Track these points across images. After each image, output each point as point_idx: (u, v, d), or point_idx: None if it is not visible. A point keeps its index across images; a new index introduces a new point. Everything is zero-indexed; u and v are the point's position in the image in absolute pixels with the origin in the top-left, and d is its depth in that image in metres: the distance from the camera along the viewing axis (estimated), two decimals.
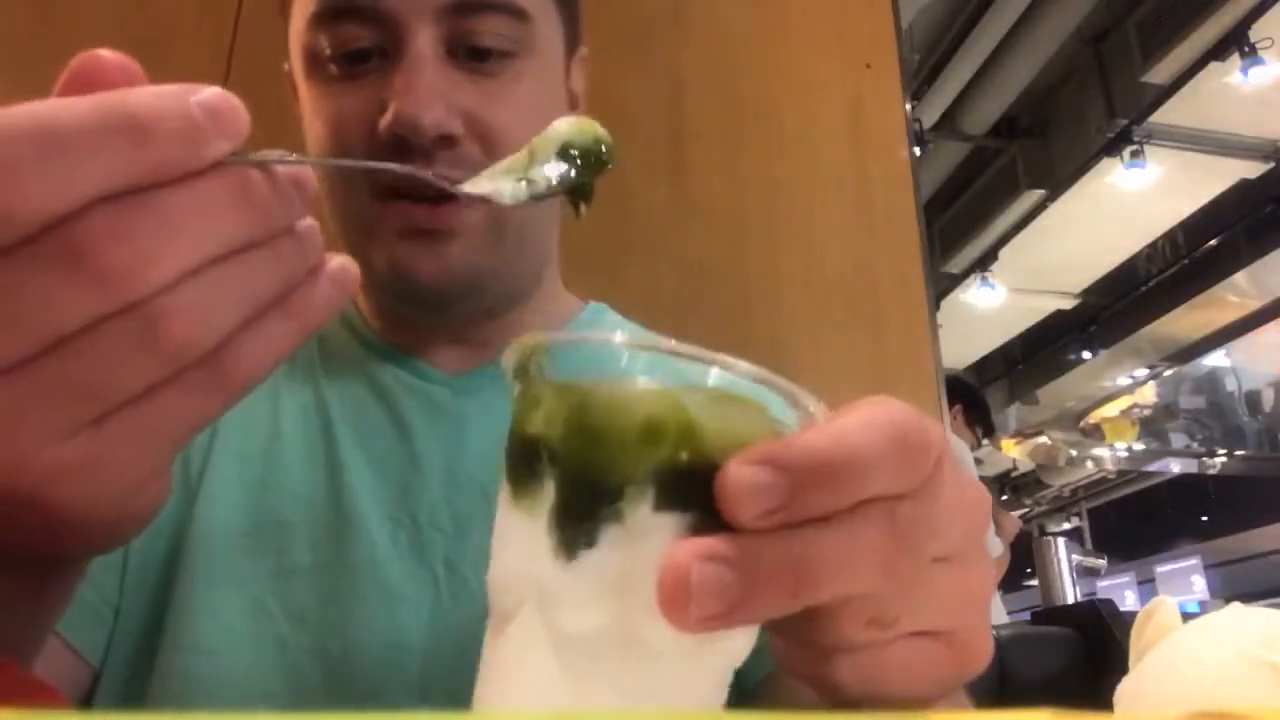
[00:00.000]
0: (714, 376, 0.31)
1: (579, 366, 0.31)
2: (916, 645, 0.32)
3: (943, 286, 5.42)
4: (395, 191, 0.60)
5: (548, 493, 0.29)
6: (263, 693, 0.55)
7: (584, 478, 0.29)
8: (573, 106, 0.71)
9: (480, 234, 0.61)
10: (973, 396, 3.22)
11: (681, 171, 1.67)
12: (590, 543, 0.28)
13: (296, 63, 0.65)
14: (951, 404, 1.81)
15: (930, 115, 4.60)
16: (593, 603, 0.28)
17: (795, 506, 0.27)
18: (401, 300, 0.66)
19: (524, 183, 0.41)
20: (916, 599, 0.31)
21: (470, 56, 0.61)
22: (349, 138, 0.60)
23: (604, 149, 0.43)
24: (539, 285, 0.72)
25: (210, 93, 0.29)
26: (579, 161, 0.43)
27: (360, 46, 0.60)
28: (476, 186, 0.41)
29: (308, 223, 0.33)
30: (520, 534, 0.30)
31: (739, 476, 0.27)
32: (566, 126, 0.44)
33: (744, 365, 0.31)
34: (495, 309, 0.68)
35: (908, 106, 1.86)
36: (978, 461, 3.34)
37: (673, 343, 0.31)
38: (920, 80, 4.41)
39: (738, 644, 0.31)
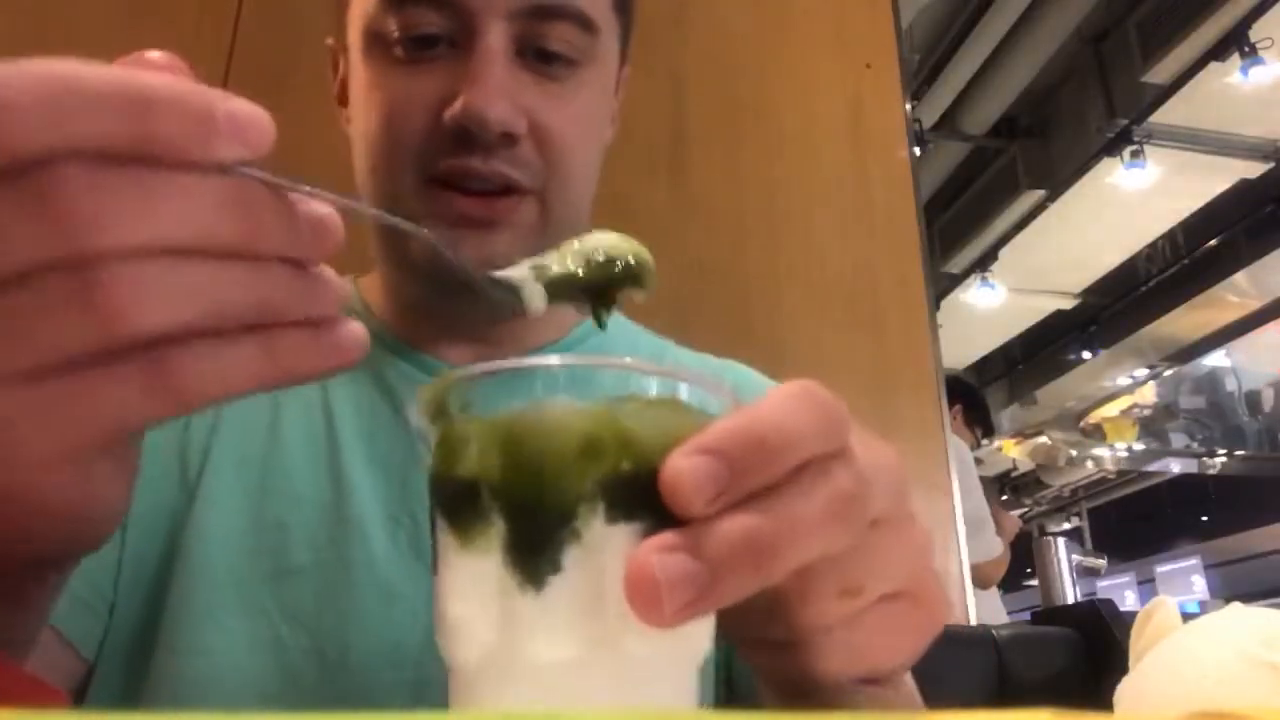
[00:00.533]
0: (634, 382, 0.31)
1: (500, 396, 0.31)
2: (888, 609, 0.34)
3: (943, 286, 5.41)
4: (445, 182, 0.60)
5: (497, 529, 0.29)
6: (259, 694, 0.54)
7: (534, 506, 0.29)
8: (612, 122, 0.72)
9: (524, 229, 0.61)
10: (972, 396, 3.22)
11: (681, 171, 1.67)
12: (556, 568, 0.28)
13: (356, 40, 0.64)
14: (951, 404, 1.81)
15: (930, 115, 4.60)
16: (570, 626, 0.28)
17: (737, 485, 0.28)
18: (435, 288, 0.65)
19: (549, 278, 0.41)
20: (873, 562, 0.32)
21: (537, 59, 0.62)
22: (409, 122, 0.60)
23: (637, 265, 0.43)
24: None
25: (243, 104, 0.29)
26: (612, 271, 0.43)
27: (429, 32, 0.60)
28: (506, 272, 0.40)
29: (326, 272, 0.32)
30: (474, 577, 0.29)
31: (679, 469, 0.28)
32: (611, 239, 0.44)
33: (656, 366, 0.32)
34: (517, 314, 0.69)
35: (908, 106, 1.86)
36: (978, 461, 3.34)
37: (597, 356, 0.31)
38: (920, 80, 4.41)
39: (704, 642, 0.31)
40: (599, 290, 0.43)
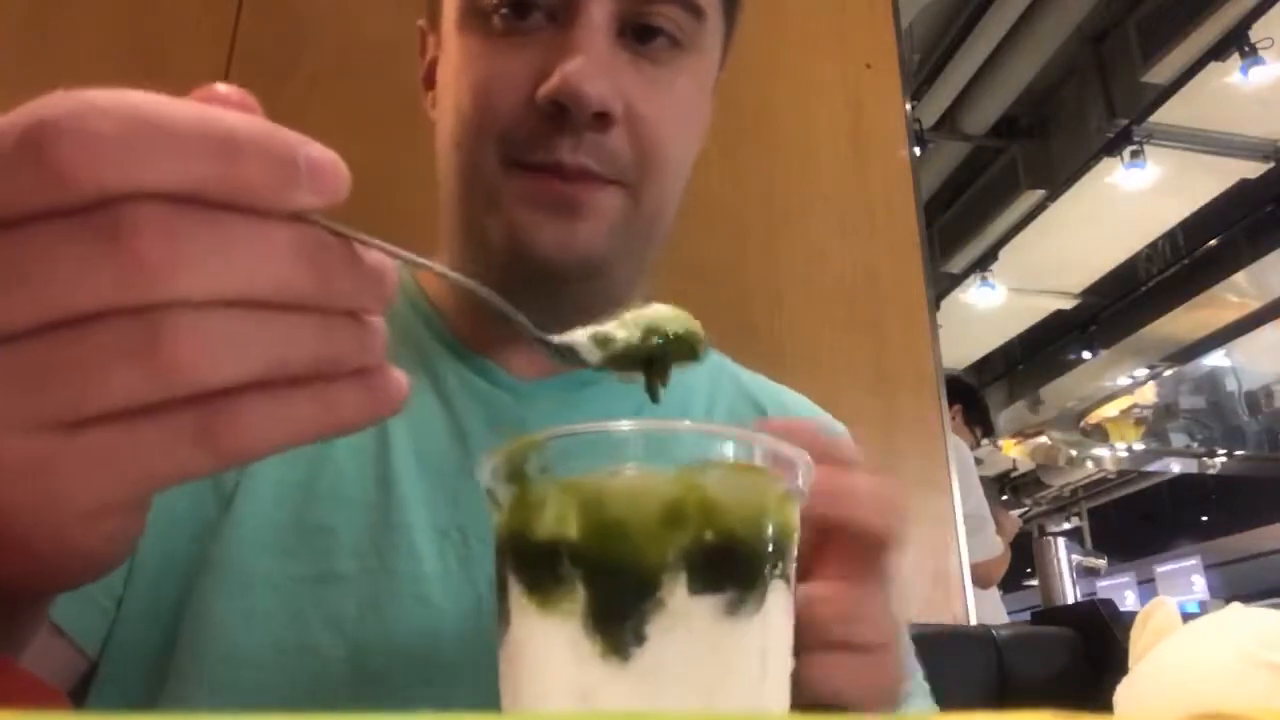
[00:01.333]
0: (716, 446, 0.31)
1: (580, 458, 0.31)
2: (868, 656, 0.39)
3: (943, 286, 5.41)
4: (529, 166, 0.58)
5: (578, 595, 0.29)
6: (289, 703, 0.52)
7: (619, 573, 0.28)
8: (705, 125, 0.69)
9: (610, 219, 0.59)
10: (972, 396, 3.22)
11: None
12: (640, 638, 0.28)
13: (452, 14, 0.62)
14: (951, 404, 1.81)
15: (930, 115, 4.60)
16: (652, 699, 0.28)
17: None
18: (511, 276, 0.60)
19: (604, 348, 0.41)
20: (871, 609, 0.38)
21: (639, 37, 0.59)
22: (499, 98, 0.57)
23: (690, 338, 0.43)
24: (635, 291, 0.69)
25: (321, 150, 0.28)
26: (666, 345, 0.42)
27: (529, 1, 0.57)
28: (565, 336, 0.40)
29: (377, 322, 0.30)
30: (554, 643, 0.29)
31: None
32: (667, 312, 0.43)
33: (736, 429, 0.31)
34: (600, 303, 0.65)
35: (908, 106, 1.86)
36: (978, 461, 3.34)
37: (677, 421, 0.31)
38: (920, 80, 4.41)
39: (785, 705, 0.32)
40: (653, 360, 0.43)
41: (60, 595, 0.51)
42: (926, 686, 0.67)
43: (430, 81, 0.67)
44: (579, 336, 0.40)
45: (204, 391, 0.27)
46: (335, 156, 0.28)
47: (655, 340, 0.41)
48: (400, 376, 0.31)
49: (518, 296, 0.64)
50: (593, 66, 0.55)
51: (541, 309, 0.63)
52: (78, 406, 0.26)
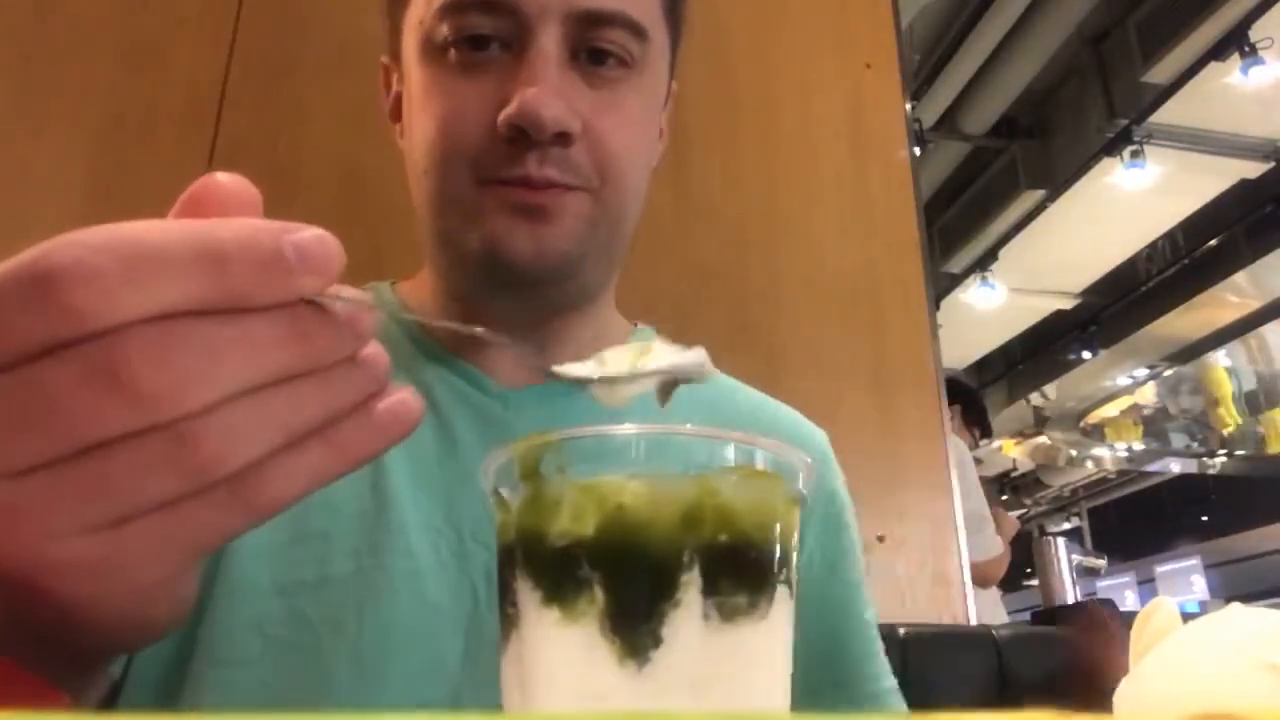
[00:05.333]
0: (730, 453, 0.31)
1: (594, 460, 0.31)
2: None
3: (943, 286, 5.42)
4: (499, 180, 0.61)
5: (595, 597, 0.29)
6: (298, 704, 0.54)
7: (638, 575, 0.29)
8: (661, 137, 0.73)
9: (577, 222, 0.62)
10: (971, 397, 3.22)
11: (681, 172, 1.67)
12: (658, 641, 0.28)
13: (412, 49, 0.65)
14: (949, 404, 1.81)
15: (930, 115, 4.60)
16: (668, 701, 0.28)
17: None
18: (490, 282, 0.65)
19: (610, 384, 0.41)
20: None
21: (590, 61, 0.62)
22: (464, 125, 0.61)
23: (695, 373, 0.43)
24: (606, 290, 0.73)
25: (307, 234, 0.29)
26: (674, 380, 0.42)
27: (481, 33, 0.61)
28: (572, 370, 0.40)
29: (372, 349, 0.32)
30: (570, 646, 0.29)
31: None
32: (669, 354, 0.43)
33: (735, 435, 0.32)
34: (573, 301, 0.69)
35: (908, 106, 1.86)
36: (977, 461, 3.34)
37: (687, 426, 0.31)
38: (920, 80, 4.41)
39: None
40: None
41: None
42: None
43: (397, 114, 0.71)
44: (589, 369, 0.40)
45: (235, 474, 0.29)
46: (321, 234, 0.30)
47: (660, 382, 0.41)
48: (407, 392, 0.33)
49: (497, 300, 0.66)
50: (548, 92, 0.58)
51: (519, 310, 0.67)
52: (119, 511, 0.29)
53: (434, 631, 0.57)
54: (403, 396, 0.33)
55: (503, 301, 0.66)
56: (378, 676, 0.55)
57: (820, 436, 0.78)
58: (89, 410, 0.27)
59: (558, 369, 0.39)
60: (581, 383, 0.39)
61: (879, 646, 0.72)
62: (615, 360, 0.40)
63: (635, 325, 0.79)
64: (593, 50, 0.62)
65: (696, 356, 0.40)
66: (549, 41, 0.60)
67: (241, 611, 0.56)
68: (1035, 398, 6.32)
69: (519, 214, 0.60)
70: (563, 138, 0.59)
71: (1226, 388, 6.23)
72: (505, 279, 0.63)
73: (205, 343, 0.28)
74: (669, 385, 0.40)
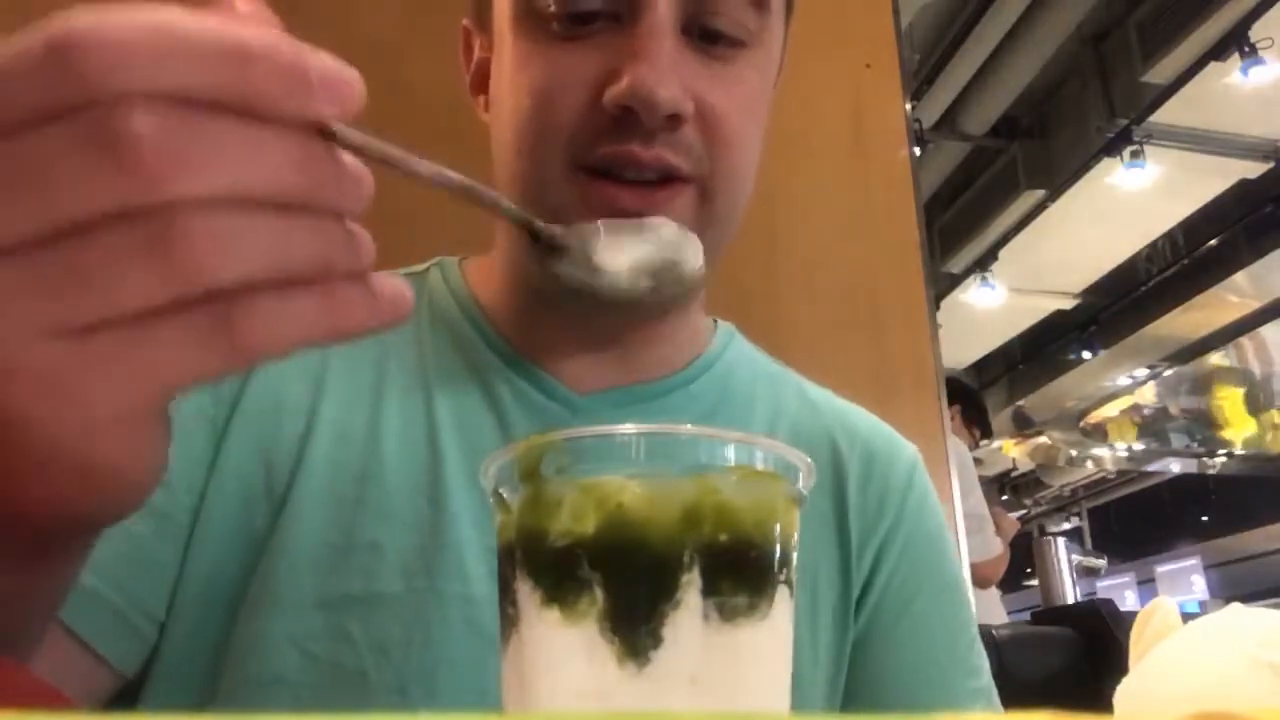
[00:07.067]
0: (730, 453, 0.31)
1: (593, 461, 0.31)
2: None
3: (943, 286, 5.42)
4: (596, 170, 0.55)
5: (595, 597, 0.29)
6: None
7: (639, 574, 0.29)
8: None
9: (684, 223, 0.56)
10: (970, 397, 3.23)
11: None
12: (658, 642, 0.28)
13: (505, 16, 0.59)
14: (949, 404, 1.81)
15: (930, 115, 4.60)
16: (668, 701, 0.28)
17: None
18: (574, 291, 0.59)
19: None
20: None
21: (703, 38, 0.57)
22: (564, 103, 0.55)
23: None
24: (701, 290, 0.68)
25: (333, 62, 0.28)
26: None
27: (590, 8, 0.55)
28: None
29: (362, 231, 0.31)
30: (570, 646, 0.29)
31: None
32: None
33: (744, 434, 0.32)
34: (666, 307, 0.63)
35: (908, 106, 1.86)
36: (977, 461, 3.34)
37: (687, 426, 0.31)
38: (920, 80, 4.41)
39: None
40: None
41: (85, 609, 0.50)
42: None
43: (479, 85, 0.65)
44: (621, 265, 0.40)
45: (215, 290, 0.27)
46: (346, 67, 0.29)
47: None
48: (399, 284, 0.32)
49: (580, 312, 0.61)
50: (662, 69, 0.53)
51: (603, 317, 0.62)
52: (92, 310, 0.26)
53: (485, 666, 0.51)
54: (399, 284, 0.32)
55: (586, 313, 0.61)
56: (423, 707, 0.53)
57: (909, 451, 0.75)
58: (80, 178, 0.25)
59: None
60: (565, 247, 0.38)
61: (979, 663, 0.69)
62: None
63: (716, 323, 0.75)
64: (707, 26, 0.56)
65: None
66: (664, 13, 0.54)
67: (280, 623, 0.53)
68: (1028, 400, 6.33)
69: (618, 216, 0.54)
70: (674, 119, 0.54)
71: (1235, 391, 6.24)
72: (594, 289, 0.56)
73: (212, 136, 0.27)
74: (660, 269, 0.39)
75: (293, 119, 0.28)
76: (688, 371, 0.68)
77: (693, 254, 0.52)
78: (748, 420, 0.69)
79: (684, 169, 0.56)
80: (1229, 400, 6.24)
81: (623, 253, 0.45)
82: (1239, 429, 6.33)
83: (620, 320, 0.63)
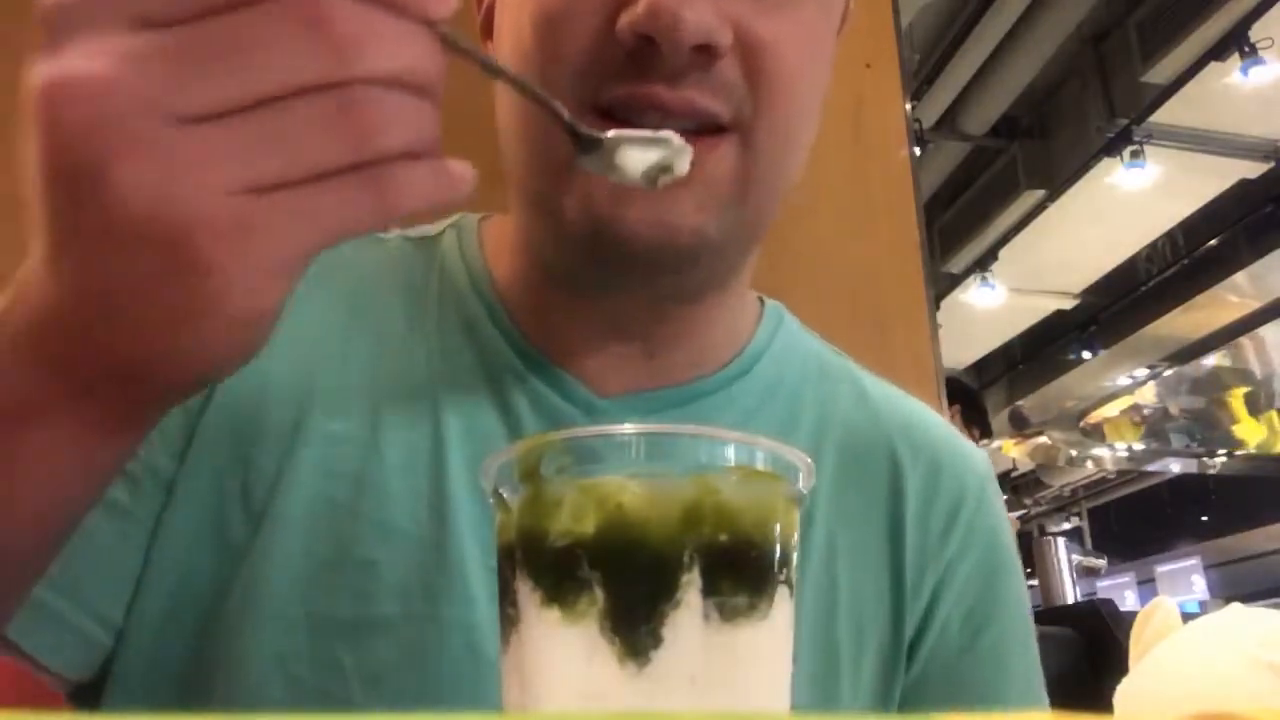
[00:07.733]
0: (730, 453, 0.31)
1: (594, 461, 0.31)
2: None
3: (943, 286, 5.42)
4: (613, 114, 0.45)
5: (595, 597, 0.29)
6: None
7: (639, 574, 0.29)
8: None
9: (722, 184, 0.47)
10: (970, 397, 3.23)
11: None
12: (658, 642, 0.28)
13: None
14: (949, 404, 1.81)
15: (930, 115, 4.60)
16: (668, 702, 0.28)
17: None
18: (595, 265, 0.51)
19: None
20: None
21: None
22: (571, 32, 0.46)
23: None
24: (745, 268, 0.59)
25: None
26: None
27: None
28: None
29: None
30: (570, 646, 0.29)
31: None
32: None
33: (745, 435, 0.32)
34: (706, 287, 0.55)
35: (908, 106, 1.86)
36: None
37: (687, 426, 0.32)
38: (920, 80, 4.41)
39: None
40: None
41: (30, 623, 0.45)
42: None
43: (489, 29, 0.56)
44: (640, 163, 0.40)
45: (384, 157, 0.31)
46: None
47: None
48: (465, 167, 0.35)
49: (605, 288, 0.53)
50: None
51: (633, 302, 0.54)
52: (281, 170, 0.30)
53: (486, 698, 0.46)
54: (457, 163, 0.35)
55: (613, 290, 0.53)
56: None
57: (980, 461, 0.65)
58: (289, 53, 0.29)
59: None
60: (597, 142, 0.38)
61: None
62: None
63: (762, 301, 0.66)
64: None
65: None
66: None
67: (263, 644, 0.48)
68: (1028, 400, 6.33)
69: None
70: (705, 51, 0.44)
71: (1237, 389, 6.24)
72: (612, 262, 0.49)
73: (393, 25, 0.31)
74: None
75: (422, 18, 0.32)
76: (725, 372, 0.59)
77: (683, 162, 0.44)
78: (790, 429, 0.59)
79: (722, 115, 0.46)
80: (1234, 400, 6.24)
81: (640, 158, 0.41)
82: (1251, 431, 6.34)
83: (644, 305, 0.55)
